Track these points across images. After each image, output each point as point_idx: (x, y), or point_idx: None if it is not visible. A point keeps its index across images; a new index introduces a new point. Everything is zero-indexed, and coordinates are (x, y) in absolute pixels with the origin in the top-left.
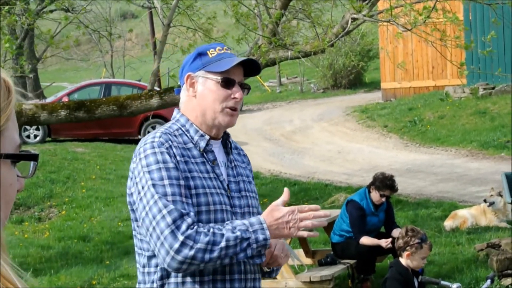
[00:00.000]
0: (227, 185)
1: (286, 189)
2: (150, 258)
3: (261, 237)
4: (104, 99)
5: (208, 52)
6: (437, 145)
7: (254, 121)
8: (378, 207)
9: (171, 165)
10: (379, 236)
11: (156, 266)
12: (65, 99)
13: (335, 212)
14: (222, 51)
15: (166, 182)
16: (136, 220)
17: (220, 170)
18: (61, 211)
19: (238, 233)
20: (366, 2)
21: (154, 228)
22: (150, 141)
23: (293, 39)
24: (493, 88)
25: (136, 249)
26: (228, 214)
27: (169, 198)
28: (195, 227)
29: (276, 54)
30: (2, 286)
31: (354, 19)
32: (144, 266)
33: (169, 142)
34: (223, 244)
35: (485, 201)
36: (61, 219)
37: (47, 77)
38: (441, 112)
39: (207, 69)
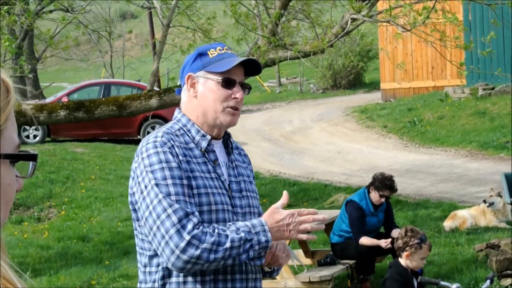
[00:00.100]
0: (228, 185)
1: (285, 192)
2: (151, 257)
3: (263, 239)
4: (103, 99)
5: (208, 52)
6: (436, 146)
7: (254, 121)
8: (377, 207)
9: (174, 164)
10: (379, 236)
11: (158, 265)
12: (65, 99)
13: (335, 213)
14: (223, 51)
15: (170, 181)
16: (138, 220)
17: (221, 170)
18: (61, 211)
19: (242, 234)
20: (366, 2)
21: (158, 227)
22: (153, 140)
23: (293, 39)
24: (492, 89)
25: (137, 248)
26: (230, 214)
27: (173, 197)
28: (201, 227)
29: (276, 54)
30: (2, 286)
31: (353, 20)
32: (145, 266)
33: (171, 141)
34: (228, 244)
35: (484, 201)
36: (61, 219)
37: (46, 77)
38: (441, 113)
39: (207, 69)
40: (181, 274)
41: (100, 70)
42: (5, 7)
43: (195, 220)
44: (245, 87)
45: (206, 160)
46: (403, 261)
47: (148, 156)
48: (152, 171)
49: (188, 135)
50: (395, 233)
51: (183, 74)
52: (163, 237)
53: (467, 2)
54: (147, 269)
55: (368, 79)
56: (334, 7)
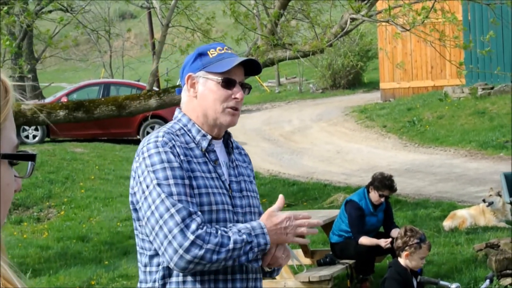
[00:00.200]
0: (229, 185)
1: (281, 196)
2: (152, 257)
3: (262, 241)
4: (103, 99)
5: (208, 52)
6: (436, 145)
7: (253, 121)
8: (377, 207)
9: (175, 164)
10: (378, 236)
11: (158, 265)
12: (64, 99)
13: (334, 212)
14: (223, 51)
15: (171, 181)
16: (138, 220)
17: (221, 170)
18: (60, 211)
19: (244, 237)
20: (365, 2)
21: (161, 227)
22: (154, 140)
23: (292, 39)
24: (492, 88)
25: (137, 248)
26: (230, 214)
27: (175, 197)
28: (205, 227)
29: (275, 54)
30: (2, 287)
31: (353, 19)
32: (145, 265)
33: (172, 141)
34: (230, 246)
35: (484, 201)
36: (60, 220)
37: (46, 78)
38: (440, 112)
39: (207, 70)
40: (181, 274)
41: (100, 70)
42: (5, 8)
43: (198, 220)
44: (245, 87)
45: (207, 160)
46: (402, 260)
47: (150, 156)
48: (153, 171)
49: (188, 135)
50: (395, 233)
51: (183, 74)
52: (166, 236)
53: (466, 2)
54: (148, 268)
55: (368, 79)
56: (333, 7)
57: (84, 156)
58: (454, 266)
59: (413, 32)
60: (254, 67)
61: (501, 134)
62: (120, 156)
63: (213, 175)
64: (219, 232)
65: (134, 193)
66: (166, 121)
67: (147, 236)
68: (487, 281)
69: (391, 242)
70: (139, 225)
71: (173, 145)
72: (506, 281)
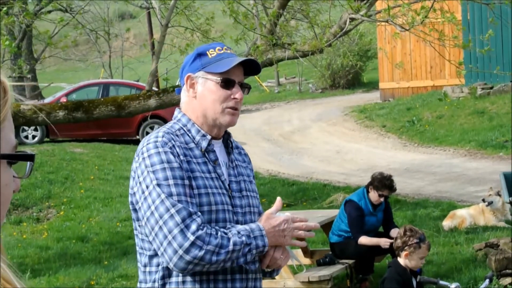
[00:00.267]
0: (228, 185)
1: (278, 198)
2: (151, 257)
3: (260, 243)
4: (102, 99)
5: (207, 52)
6: (435, 145)
7: (253, 121)
8: (376, 207)
9: (175, 164)
10: (378, 236)
11: (158, 265)
12: (63, 99)
13: (334, 212)
14: (222, 51)
15: (171, 182)
16: (138, 220)
17: (221, 170)
18: (60, 211)
19: (244, 238)
20: (364, 2)
21: (161, 227)
22: (153, 140)
23: (292, 39)
24: (491, 88)
25: (137, 248)
26: (230, 214)
27: (175, 198)
28: (205, 228)
29: (274, 54)
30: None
31: (352, 19)
32: (145, 266)
33: (172, 141)
34: (230, 247)
35: (483, 200)
36: (60, 220)
37: (45, 78)
38: (440, 112)
39: (206, 70)
40: (181, 274)
41: (99, 70)
42: (4, 8)
43: (199, 220)
44: (245, 87)
45: (206, 160)
46: (402, 260)
47: (149, 156)
48: (153, 171)
49: (188, 135)
50: (394, 232)
51: (183, 74)
52: (165, 237)
53: (466, 1)
54: (147, 269)
55: (367, 79)
56: (332, 7)
57: (84, 156)
58: (454, 266)
59: (413, 32)
60: (254, 67)
61: (500, 134)
62: (119, 156)
63: (213, 175)
64: (219, 233)
65: (134, 193)
66: (165, 121)
67: (147, 236)
68: (487, 281)
69: (391, 242)
70: (139, 225)
71: (173, 145)
72: (506, 280)
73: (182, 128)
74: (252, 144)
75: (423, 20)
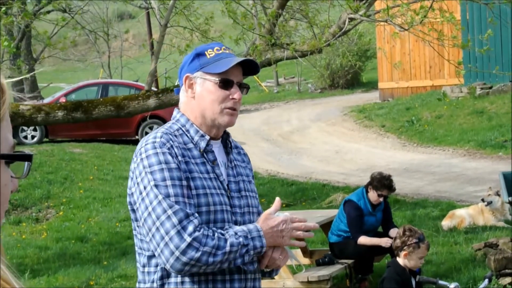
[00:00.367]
0: (227, 185)
1: (277, 199)
2: (150, 257)
3: (258, 244)
4: (101, 99)
5: (206, 52)
6: (434, 145)
7: (252, 121)
8: (375, 207)
9: (173, 165)
10: (377, 236)
11: (156, 265)
12: (63, 99)
13: (333, 212)
14: (220, 51)
15: (169, 182)
16: (137, 220)
17: (220, 170)
18: (59, 211)
19: (241, 239)
20: (363, 2)
21: (158, 228)
22: (152, 141)
23: (291, 39)
24: (490, 88)
25: (136, 248)
26: (228, 214)
27: (172, 199)
28: (202, 229)
29: (273, 54)
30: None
31: (351, 19)
32: (144, 266)
33: (170, 142)
34: (227, 249)
35: (482, 200)
36: (59, 220)
37: (44, 78)
38: (439, 112)
39: (205, 70)
40: (180, 275)
41: (98, 70)
42: (3, 8)
43: (196, 221)
44: (243, 87)
45: (205, 160)
46: (401, 260)
47: (147, 156)
48: (151, 172)
49: (187, 135)
50: (393, 232)
51: (181, 74)
52: (162, 238)
53: (465, 1)
54: (146, 269)
55: (366, 79)
56: (332, 6)
57: (83, 157)
58: (453, 266)
59: (412, 31)
60: (252, 67)
61: (499, 134)
62: (118, 157)
63: (211, 175)
64: (216, 234)
65: (132, 193)
66: (164, 121)
67: (145, 237)
68: (486, 281)
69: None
70: (138, 226)
71: (171, 146)
72: (505, 280)
73: (180, 128)
74: (251, 144)
75: (422, 20)
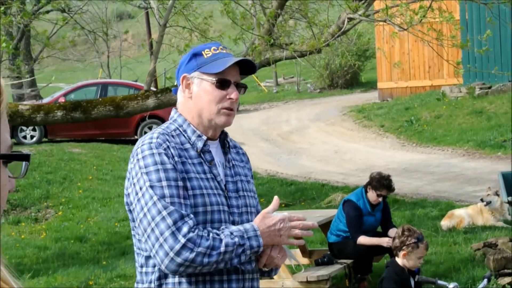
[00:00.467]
0: (225, 185)
1: (276, 197)
2: (148, 258)
3: (255, 244)
4: (100, 99)
5: (203, 52)
6: (433, 145)
7: (251, 121)
8: (374, 207)
9: (169, 166)
10: (376, 236)
11: (154, 266)
12: (62, 99)
13: (332, 212)
14: (217, 51)
15: (164, 183)
16: (134, 221)
17: (217, 171)
18: (58, 211)
19: (236, 239)
20: (362, 2)
21: (153, 229)
22: (148, 142)
23: (290, 39)
24: (489, 88)
25: (135, 248)
26: (225, 214)
27: (168, 199)
28: (196, 230)
29: (272, 54)
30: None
31: (350, 19)
32: (142, 266)
33: (167, 142)
34: (222, 249)
35: (482, 200)
36: (58, 220)
37: (43, 78)
38: (438, 112)
39: (202, 70)
40: (177, 275)
41: (97, 70)
42: (2, 8)
43: (190, 222)
44: (241, 87)
45: (202, 160)
46: (400, 260)
47: (144, 157)
48: (147, 173)
49: (184, 135)
50: (393, 232)
51: (179, 74)
52: (157, 239)
53: (464, 1)
54: (144, 269)
55: (365, 79)
56: (331, 6)
57: (82, 157)
58: (452, 266)
59: (411, 31)
60: (250, 67)
61: (498, 134)
62: (117, 157)
63: (208, 175)
64: (211, 235)
65: (129, 194)
66: (163, 121)
67: (142, 237)
68: (485, 281)
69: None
70: (135, 226)
71: (168, 146)
72: (504, 280)
73: (178, 128)
74: (250, 144)
75: (421, 20)
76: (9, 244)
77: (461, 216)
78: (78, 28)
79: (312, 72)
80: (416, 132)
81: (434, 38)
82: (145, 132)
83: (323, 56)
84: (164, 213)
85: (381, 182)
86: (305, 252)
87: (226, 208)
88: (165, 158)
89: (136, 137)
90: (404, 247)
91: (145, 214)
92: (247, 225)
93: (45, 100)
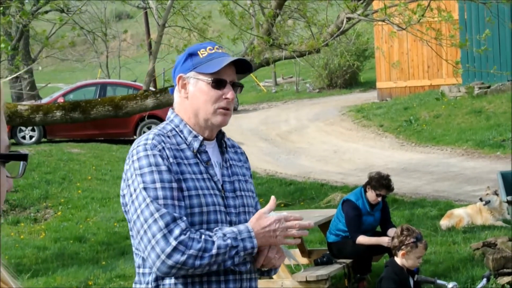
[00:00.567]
0: (222, 185)
1: (272, 197)
2: (145, 259)
3: (248, 245)
4: (99, 99)
5: (198, 52)
6: (432, 144)
7: (250, 121)
8: (374, 206)
9: (163, 168)
10: (375, 235)
11: (151, 267)
12: (61, 99)
13: (331, 212)
14: (213, 51)
15: (158, 185)
16: (130, 222)
17: (214, 171)
18: (57, 212)
19: (229, 241)
20: (361, 1)
21: (145, 231)
22: (143, 143)
23: (289, 39)
24: (488, 87)
25: (133, 249)
26: (222, 214)
27: (161, 201)
28: (188, 232)
29: (271, 54)
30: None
31: (349, 19)
32: (139, 267)
33: (162, 144)
34: (214, 251)
35: (481, 200)
36: (57, 220)
37: (42, 78)
38: (437, 112)
39: (197, 70)
40: (174, 277)
41: (96, 70)
42: (1, 8)
43: (182, 225)
44: (237, 86)
45: (198, 161)
46: (399, 260)
47: (138, 159)
48: (141, 174)
49: (180, 136)
50: (392, 232)
51: (175, 74)
52: (149, 241)
53: (463, 1)
54: (141, 270)
55: (364, 79)
56: (329, 6)
57: (81, 157)
58: (451, 265)
59: (409, 31)
60: (246, 66)
61: (498, 133)
62: (117, 157)
63: (205, 176)
64: (203, 237)
65: (124, 195)
66: (162, 121)
67: (135, 238)
68: (484, 280)
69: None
70: (132, 227)
71: (163, 148)
72: (503, 280)
73: (174, 129)
74: (249, 144)
75: (420, 19)
76: (9, 244)
77: (460, 215)
78: (77, 28)
79: (311, 72)
80: (415, 131)
81: (433, 38)
82: (144, 132)
83: (322, 56)
84: (157, 215)
85: (380, 181)
86: (304, 252)
87: (223, 209)
88: (159, 159)
89: (135, 137)
90: (403, 247)
91: (138, 216)
92: (241, 226)
93: (44, 100)
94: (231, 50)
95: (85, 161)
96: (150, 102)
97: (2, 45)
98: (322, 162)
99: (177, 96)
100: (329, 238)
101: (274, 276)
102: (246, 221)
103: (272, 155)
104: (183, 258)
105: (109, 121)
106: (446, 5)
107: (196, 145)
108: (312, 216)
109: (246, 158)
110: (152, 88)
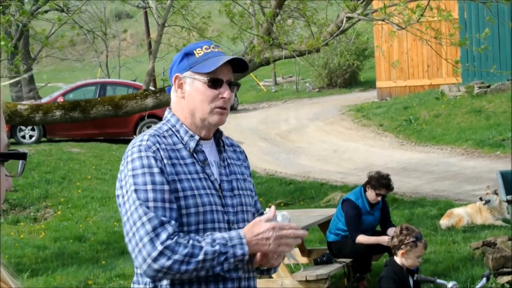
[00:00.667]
0: (219, 184)
1: (273, 207)
2: None
3: (239, 252)
4: (99, 99)
5: (194, 51)
6: (432, 144)
7: (250, 120)
8: (373, 206)
9: (155, 170)
10: (375, 235)
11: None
12: (60, 99)
13: (331, 211)
14: (209, 50)
15: (149, 187)
16: None
17: (211, 170)
18: (57, 211)
19: (217, 247)
20: (361, 1)
21: (133, 234)
22: (138, 144)
23: (288, 38)
24: (488, 87)
25: None
26: (219, 214)
27: (151, 204)
28: (175, 237)
29: (270, 54)
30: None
31: (348, 18)
32: (137, 267)
33: (157, 144)
34: (200, 257)
35: (480, 199)
36: (57, 220)
37: (42, 78)
38: (437, 111)
39: (194, 70)
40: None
41: (96, 70)
42: (0, 7)
43: (170, 229)
44: (233, 85)
45: (195, 160)
46: (398, 259)
47: (132, 160)
48: (133, 176)
49: (176, 135)
50: (391, 231)
51: (171, 74)
52: (136, 244)
53: (462, 0)
54: (139, 270)
55: (364, 78)
56: (329, 5)
57: (81, 156)
58: (451, 265)
59: (409, 30)
60: (242, 65)
61: (497, 133)
62: (116, 156)
63: (201, 175)
64: (191, 242)
65: (118, 196)
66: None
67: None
68: (484, 279)
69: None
70: None
71: (157, 149)
72: (503, 279)
73: (170, 129)
74: (249, 143)
75: (419, 19)
76: (8, 244)
77: (460, 215)
78: (77, 28)
79: (311, 71)
80: (415, 131)
81: (433, 37)
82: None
83: (322, 56)
84: (144, 219)
85: (380, 181)
86: (304, 251)
87: (220, 208)
88: (152, 161)
89: (134, 136)
90: (402, 246)
91: (128, 218)
92: (233, 233)
93: (44, 100)
94: (231, 49)
95: (85, 160)
96: (150, 101)
97: (2, 43)
98: (322, 161)
99: (174, 95)
100: (329, 238)
101: (273, 276)
102: (244, 220)
103: (272, 155)
104: (169, 262)
105: (109, 120)
106: (446, 4)
107: (192, 144)
108: (311, 215)
109: (245, 156)
110: (152, 88)
